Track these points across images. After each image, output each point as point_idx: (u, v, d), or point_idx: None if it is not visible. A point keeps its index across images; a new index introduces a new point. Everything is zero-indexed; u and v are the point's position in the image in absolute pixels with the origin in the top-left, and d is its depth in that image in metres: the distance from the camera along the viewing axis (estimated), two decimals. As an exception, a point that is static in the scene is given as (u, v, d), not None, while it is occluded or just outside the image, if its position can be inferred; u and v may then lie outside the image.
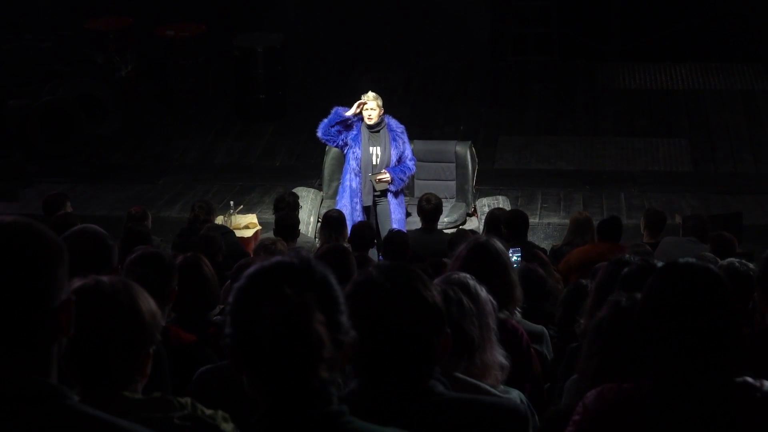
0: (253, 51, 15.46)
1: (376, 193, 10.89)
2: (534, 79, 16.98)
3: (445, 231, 10.79)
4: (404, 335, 2.56)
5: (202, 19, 16.24)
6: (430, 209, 10.35)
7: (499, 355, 3.58)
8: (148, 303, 2.83)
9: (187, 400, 2.86)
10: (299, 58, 16.52)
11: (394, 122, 10.96)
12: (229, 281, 6.73)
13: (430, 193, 10.66)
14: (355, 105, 10.75)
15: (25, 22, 16.18)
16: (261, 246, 8.59)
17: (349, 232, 9.73)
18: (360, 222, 10.18)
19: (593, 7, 17.69)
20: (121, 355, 2.76)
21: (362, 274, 2.61)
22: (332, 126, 10.77)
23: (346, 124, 10.78)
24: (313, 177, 13.18)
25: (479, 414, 2.66)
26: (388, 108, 11.17)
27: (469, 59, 17.17)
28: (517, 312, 4.88)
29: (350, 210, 10.66)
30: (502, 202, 12.00)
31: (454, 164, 12.22)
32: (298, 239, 9.93)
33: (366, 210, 10.89)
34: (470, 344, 3.42)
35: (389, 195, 10.94)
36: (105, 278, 2.80)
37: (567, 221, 11.19)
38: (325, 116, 10.89)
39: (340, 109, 10.82)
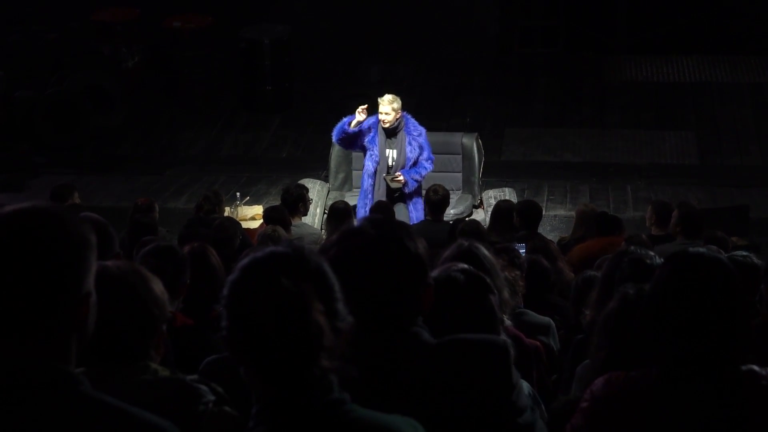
0: (259, 43, 15.46)
1: (390, 193, 10.82)
2: (541, 71, 16.95)
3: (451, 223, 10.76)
4: (386, 281, 2.58)
5: (208, 11, 16.23)
6: (437, 200, 10.31)
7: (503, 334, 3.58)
8: (157, 282, 2.90)
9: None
10: (306, 50, 16.49)
11: (412, 124, 10.80)
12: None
13: (438, 185, 10.60)
14: (357, 112, 10.60)
15: (32, 13, 16.18)
16: (263, 235, 8.68)
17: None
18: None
19: (600, -1, 17.67)
20: (141, 334, 2.83)
21: (351, 224, 2.68)
22: (341, 137, 10.71)
23: (359, 132, 10.65)
24: (319, 169, 13.18)
25: (462, 353, 2.67)
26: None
27: (476, 51, 17.14)
28: (506, 319, 4.81)
29: (365, 213, 10.58)
30: (508, 194, 11.98)
31: (461, 156, 12.20)
32: (306, 231, 9.95)
33: None
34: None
35: (406, 199, 10.84)
36: (109, 263, 2.86)
37: (573, 213, 11.17)
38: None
39: (346, 121, 10.66)
